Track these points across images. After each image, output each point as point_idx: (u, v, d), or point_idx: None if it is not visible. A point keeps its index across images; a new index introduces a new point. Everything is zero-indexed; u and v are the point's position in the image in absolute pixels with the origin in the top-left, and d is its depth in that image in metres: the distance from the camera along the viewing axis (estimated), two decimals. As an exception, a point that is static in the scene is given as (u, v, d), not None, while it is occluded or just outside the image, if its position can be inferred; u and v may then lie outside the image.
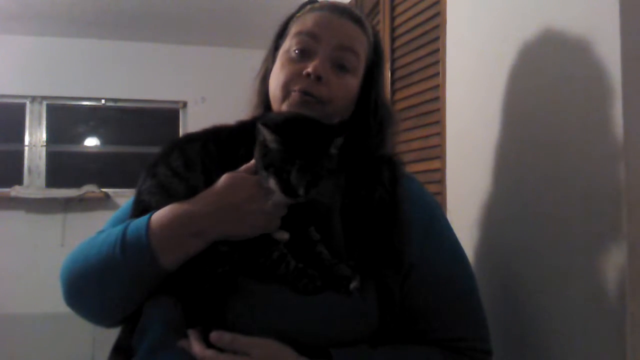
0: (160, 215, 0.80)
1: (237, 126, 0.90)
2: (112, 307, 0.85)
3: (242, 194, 0.77)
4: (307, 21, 0.93)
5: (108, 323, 0.89)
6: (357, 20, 0.94)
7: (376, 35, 0.99)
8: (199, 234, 0.79)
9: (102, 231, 0.90)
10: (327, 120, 0.91)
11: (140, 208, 0.85)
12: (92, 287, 0.84)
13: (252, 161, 0.81)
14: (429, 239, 0.91)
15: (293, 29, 0.95)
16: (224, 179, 0.79)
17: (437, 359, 0.86)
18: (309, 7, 0.97)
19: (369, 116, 0.96)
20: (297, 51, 0.91)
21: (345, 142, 0.96)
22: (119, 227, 0.83)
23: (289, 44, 0.93)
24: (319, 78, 0.88)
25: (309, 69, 0.88)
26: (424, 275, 0.89)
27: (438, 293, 0.89)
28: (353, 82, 0.93)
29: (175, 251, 0.79)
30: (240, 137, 0.85)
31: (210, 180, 0.81)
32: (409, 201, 0.92)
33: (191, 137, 0.88)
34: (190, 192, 0.81)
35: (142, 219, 0.81)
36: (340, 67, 0.91)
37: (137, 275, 0.80)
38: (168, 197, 0.82)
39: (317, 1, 1.00)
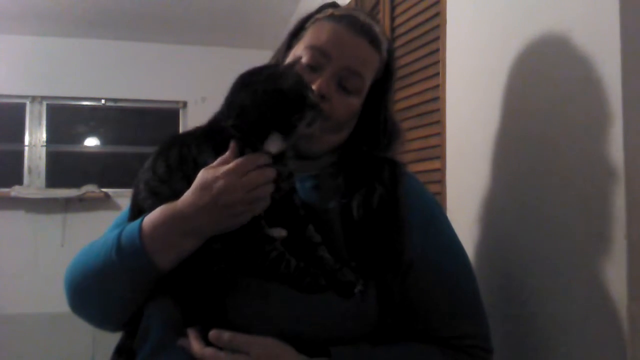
0: (151, 217, 0.81)
1: (207, 126, 0.88)
2: (114, 310, 0.87)
3: (217, 187, 0.76)
4: (322, 34, 0.92)
5: (112, 327, 0.90)
6: (373, 40, 0.93)
7: (390, 51, 0.98)
8: (191, 233, 0.79)
9: (103, 236, 0.91)
10: (326, 133, 0.91)
11: (136, 211, 0.86)
12: (93, 293, 0.85)
13: (227, 153, 0.80)
14: (429, 237, 0.91)
15: (308, 36, 0.94)
16: (198, 176, 0.79)
17: (437, 356, 0.86)
18: (330, 11, 0.95)
19: (375, 131, 0.97)
20: (305, 64, 0.91)
21: (349, 150, 0.97)
22: (115, 232, 0.84)
23: (300, 53, 0.92)
24: (322, 97, 0.89)
25: (314, 87, 0.88)
26: (424, 274, 0.89)
27: (438, 291, 0.89)
28: (355, 102, 0.93)
29: (170, 251, 0.80)
30: (210, 137, 0.85)
31: (191, 182, 0.81)
32: (409, 200, 0.92)
33: (172, 142, 0.87)
34: (176, 197, 0.81)
35: (135, 223, 0.82)
36: (344, 88, 0.91)
37: (134, 277, 0.81)
38: (159, 201, 0.82)
39: (338, 6, 0.98)
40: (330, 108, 0.90)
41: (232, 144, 0.80)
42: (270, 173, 0.78)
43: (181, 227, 0.78)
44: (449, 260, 0.92)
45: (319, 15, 0.96)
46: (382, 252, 0.86)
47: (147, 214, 0.82)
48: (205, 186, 0.77)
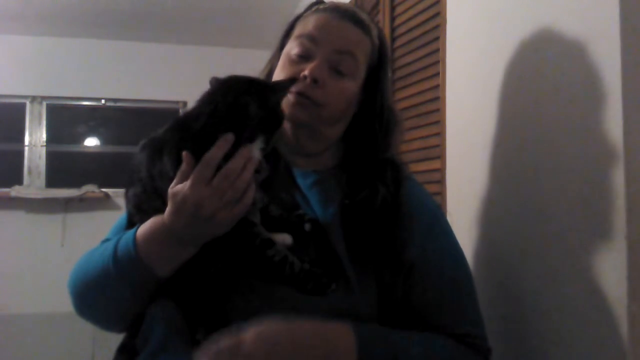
0: (144, 230, 0.81)
1: (174, 129, 0.85)
2: (117, 315, 0.88)
3: (190, 205, 0.74)
4: (308, 24, 0.93)
5: (117, 329, 0.91)
6: (360, 23, 0.94)
7: (381, 37, 0.99)
8: (185, 243, 0.79)
9: (105, 239, 0.92)
10: (323, 124, 0.91)
11: (130, 221, 0.88)
12: (95, 300, 0.87)
13: (183, 165, 0.76)
14: (430, 240, 0.91)
15: (296, 30, 0.96)
16: (169, 197, 0.77)
17: (452, 344, 0.86)
18: (314, 8, 0.98)
19: (374, 120, 0.96)
20: (296, 54, 0.92)
21: (349, 144, 0.97)
22: (112, 242, 0.85)
23: (291, 46, 0.94)
24: (315, 81, 0.88)
25: (306, 72, 0.88)
26: (425, 276, 0.89)
27: (440, 292, 0.89)
28: (350, 86, 0.93)
29: (167, 261, 0.80)
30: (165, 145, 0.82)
31: (164, 198, 0.79)
32: (411, 202, 0.92)
33: (141, 158, 0.85)
34: (159, 211, 0.80)
35: (129, 234, 0.82)
36: (338, 71, 0.91)
37: (134, 286, 0.82)
38: (146, 215, 0.83)
39: (323, 2, 1.00)
40: (324, 94, 0.89)
41: (184, 155, 0.76)
42: (232, 171, 0.74)
43: (174, 239, 0.78)
44: (450, 264, 0.92)
45: (306, 14, 0.98)
46: (383, 252, 0.87)
47: (139, 225, 0.82)
48: (179, 207, 0.75)
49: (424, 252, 0.89)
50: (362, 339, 0.78)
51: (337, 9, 0.95)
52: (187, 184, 0.74)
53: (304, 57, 0.91)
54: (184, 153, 0.76)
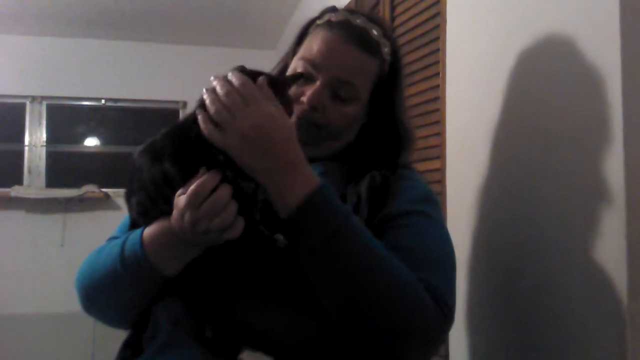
0: (150, 232, 0.82)
1: (172, 135, 0.85)
2: (124, 314, 0.89)
3: (186, 220, 0.75)
4: (313, 45, 0.93)
5: (125, 326, 0.91)
6: (366, 46, 0.93)
7: (395, 52, 0.98)
8: (191, 246, 0.80)
9: (111, 238, 0.93)
10: (326, 140, 0.92)
11: (133, 223, 0.88)
12: (103, 299, 0.88)
13: (191, 187, 0.76)
14: (414, 214, 0.86)
15: (304, 46, 0.96)
16: (174, 205, 0.78)
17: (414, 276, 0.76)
18: (326, 17, 0.96)
19: (382, 130, 0.97)
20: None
21: (355, 156, 0.97)
22: (119, 241, 0.86)
23: (296, 64, 0.95)
24: (314, 108, 0.90)
25: (304, 98, 0.90)
26: (403, 231, 0.83)
27: (410, 249, 0.81)
28: (352, 109, 0.94)
29: (173, 261, 0.81)
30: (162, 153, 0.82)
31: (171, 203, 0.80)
32: (403, 183, 0.91)
33: (142, 165, 0.85)
34: (165, 214, 0.80)
35: (136, 235, 0.83)
36: (338, 96, 0.92)
37: (141, 286, 0.83)
38: (151, 219, 0.83)
39: (337, 10, 0.98)
40: (323, 117, 0.91)
41: (201, 172, 0.77)
42: (214, 205, 0.74)
43: (180, 241, 0.79)
44: (429, 234, 0.86)
45: (319, 21, 0.97)
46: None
47: (145, 227, 0.83)
48: (179, 217, 0.76)
49: (404, 215, 0.85)
50: (328, 190, 0.77)
51: (346, 28, 0.93)
52: (182, 200, 0.75)
53: (307, 78, 0.92)
54: (201, 170, 0.77)
